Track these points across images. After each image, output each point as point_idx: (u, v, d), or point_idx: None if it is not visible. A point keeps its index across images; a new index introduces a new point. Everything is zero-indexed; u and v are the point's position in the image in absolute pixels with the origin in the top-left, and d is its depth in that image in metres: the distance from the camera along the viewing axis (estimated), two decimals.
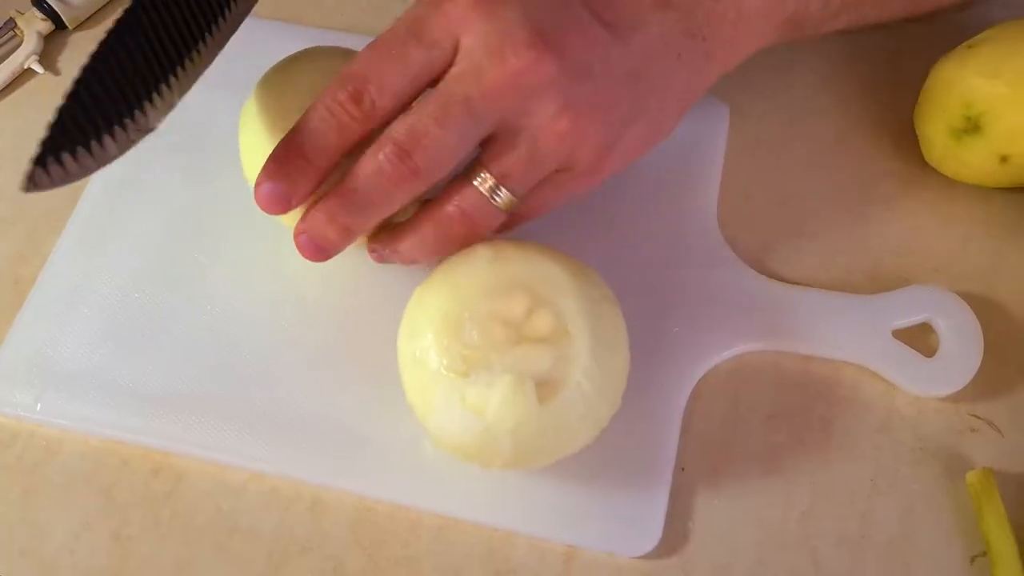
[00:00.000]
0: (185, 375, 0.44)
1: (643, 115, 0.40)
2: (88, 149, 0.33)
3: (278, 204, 0.38)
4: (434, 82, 0.37)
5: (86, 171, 0.34)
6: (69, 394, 0.43)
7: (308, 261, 0.40)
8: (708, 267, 0.46)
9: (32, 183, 0.32)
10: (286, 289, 0.46)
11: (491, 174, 0.38)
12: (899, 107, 0.50)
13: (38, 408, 0.43)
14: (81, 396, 0.43)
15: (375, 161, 0.37)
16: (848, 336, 0.44)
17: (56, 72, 0.54)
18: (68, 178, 0.33)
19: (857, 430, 0.43)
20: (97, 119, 0.34)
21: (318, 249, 0.39)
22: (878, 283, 0.46)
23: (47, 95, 0.53)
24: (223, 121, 0.49)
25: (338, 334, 0.45)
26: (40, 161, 0.32)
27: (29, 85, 0.54)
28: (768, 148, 0.50)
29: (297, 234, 0.40)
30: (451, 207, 0.39)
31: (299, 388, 0.43)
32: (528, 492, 0.41)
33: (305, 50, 0.43)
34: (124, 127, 0.34)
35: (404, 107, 0.38)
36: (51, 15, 0.55)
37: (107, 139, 0.34)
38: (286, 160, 0.38)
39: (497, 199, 0.39)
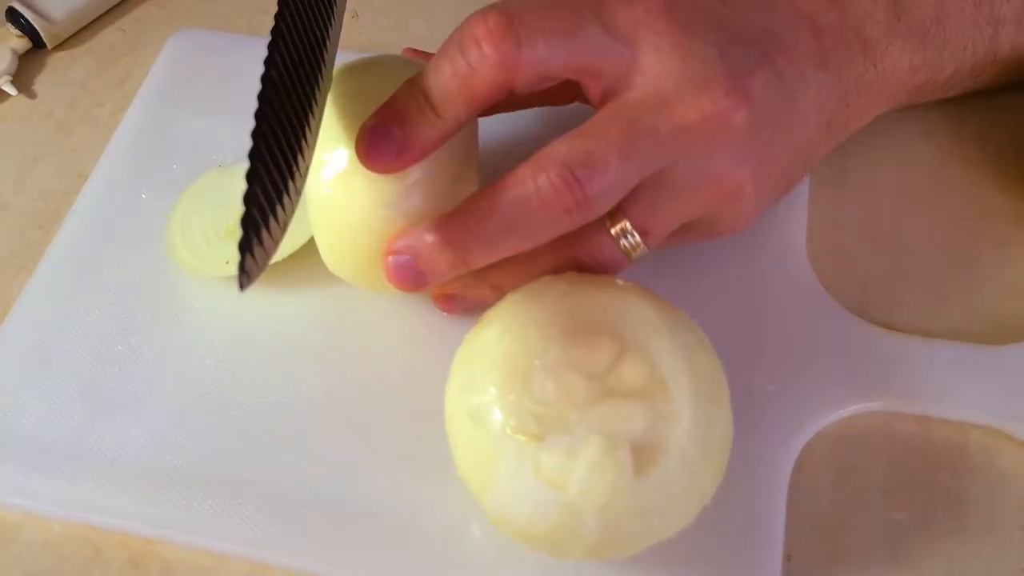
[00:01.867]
0: (175, 444, 0.38)
1: (785, 178, 0.38)
2: (275, 218, 0.28)
3: (385, 160, 0.33)
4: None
5: (271, 253, 0.29)
6: (32, 467, 0.37)
7: (311, 311, 0.37)
8: (803, 312, 0.39)
9: (246, 276, 0.27)
10: (298, 337, 0.40)
11: (633, 224, 0.35)
12: (996, 137, 0.44)
13: None
14: (47, 470, 0.37)
15: (531, 183, 0.32)
16: (974, 393, 0.37)
17: (31, 95, 0.49)
18: (266, 261, 0.28)
19: (995, 506, 0.36)
20: (270, 190, 0.28)
21: (416, 276, 0.35)
22: (1003, 332, 0.39)
23: (20, 121, 0.48)
24: (221, 150, 0.45)
25: (366, 391, 0.38)
26: (245, 247, 0.26)
27: (0, 108, 0.48)
28: (854, 178, 0.44)
29: (391, 252, 0.34)
30: (584, 255, 0.36)
31: (316, 460, 0.37)
32: None
33: (373, 57, 0.38)
34: (293, 181, 0.30)
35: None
36: (29, 32, 0.49)
37: (285, 198, 0.29)
38: (406, 103, 0.33)
39: (626, 245, 0.35)
